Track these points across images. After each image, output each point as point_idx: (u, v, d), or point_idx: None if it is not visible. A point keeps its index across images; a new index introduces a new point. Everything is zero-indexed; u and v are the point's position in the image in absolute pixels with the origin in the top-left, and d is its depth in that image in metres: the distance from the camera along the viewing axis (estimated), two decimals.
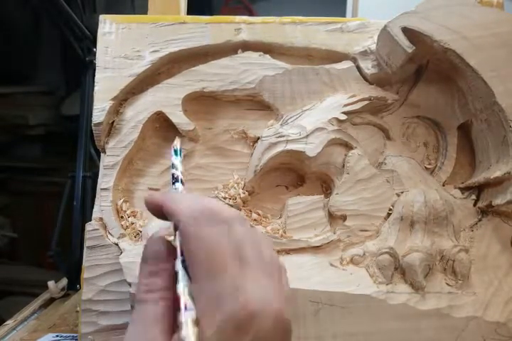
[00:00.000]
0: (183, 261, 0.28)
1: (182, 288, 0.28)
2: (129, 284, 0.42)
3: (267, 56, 0.50)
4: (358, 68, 0.50)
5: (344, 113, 0.48)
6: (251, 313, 0.26)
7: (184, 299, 0.27)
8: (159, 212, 0.31)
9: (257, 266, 0.28)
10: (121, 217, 0.47)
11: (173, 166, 0.37)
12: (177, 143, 0.39)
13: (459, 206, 0.48)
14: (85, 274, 0.46)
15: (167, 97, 0.49)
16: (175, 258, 0.29)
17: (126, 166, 0.49)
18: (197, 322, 0.26)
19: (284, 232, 0.47)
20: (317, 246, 0.47)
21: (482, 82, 0.44)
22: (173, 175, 0.36)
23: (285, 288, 0.29)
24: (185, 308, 0.27)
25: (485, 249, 0.47)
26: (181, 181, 0.36)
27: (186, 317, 0.26)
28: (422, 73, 0.49)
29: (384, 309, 0.44)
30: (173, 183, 0.35)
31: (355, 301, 0.44)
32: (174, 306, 0.28)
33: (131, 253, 0.44)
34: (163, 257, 0.30)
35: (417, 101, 0.50)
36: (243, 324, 0.26)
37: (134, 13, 1.26)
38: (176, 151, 0.38)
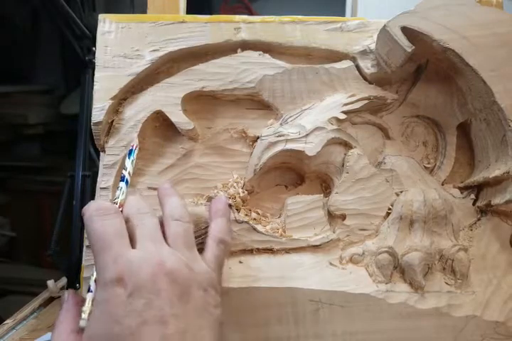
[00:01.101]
0: None
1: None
2: None
3: (267, 55, 0.50)
4: (358, 67, 0.50)
5: (344, 112, 0.48)
6: (120, 273, 0.33)
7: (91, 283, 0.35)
8: None
9: (140, 234, 0.36)
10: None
11: (123, 166, 0.42)
12: (134, 143, 0.44)
13: (458, 205, 0.48)
14: (85, 273, 0.46)
15: (166, 96, 0.49)
16: None
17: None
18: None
19: (284, 231, 0.47)
20: (316, 246, 0.47)
21: (481, 81, 0.45)
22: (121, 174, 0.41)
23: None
24: (89, 290, 0.35)
25: (484, 249, 0.47)
26: (126, 181, 0.41)
27: (88, 296, 0.34)
28: (422, 73, 0.49)
29: (383, 308, 0.44)
30: (119, 182, 0.41)
31: (354, 300, 0.44)
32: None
33: None
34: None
35: (417, 101, 0.50)
36: (116, 281, 0.32)
37: (134, 13, 1.26)
38: (130, 151, 0.43)
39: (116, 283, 0.32)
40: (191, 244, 0.38)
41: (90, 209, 0.37)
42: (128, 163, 0.42)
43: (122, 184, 0.41)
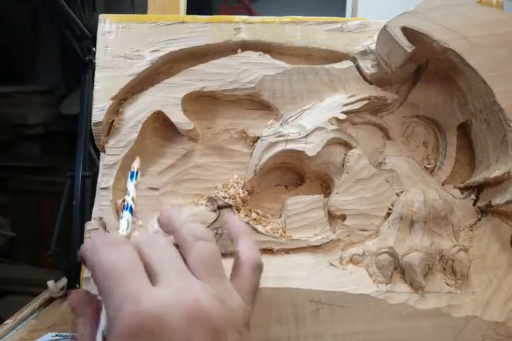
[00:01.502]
0: None
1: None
2: None
3: (267, 56, 0.50)
4: (358, 68, 0.50)
5: (344, 112, 0.48)
6: (147, 315, 0.26)
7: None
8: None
9: (166, 269, 0.29)
10: (121, 217, 0.47)
11: (126, 191, 0.35)
12: (135, 165, 0.38)
13: (459, 206, 0.48)
14: (85, 273, 0.46)
15: (167, 97, 0.49)
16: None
17: (126, 166, 0.49)
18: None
19: (284, 232, 0.47)
20: (317, 246, 0.47)
21: (482, 81, 0.45)
22: (123, 201, 0.35)
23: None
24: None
25: (484, 249, 0.47)
26: (130, 209, 0.35)
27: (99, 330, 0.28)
28: (422, 73, 0.49)
29: (383, 308, 0.44)
30: (122, 210, 0.34)
31: (354, 301, 0.44)
32: None
33: None
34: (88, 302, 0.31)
35: (417, 101, 0.50)
36: (142, 329, 0.25)
37: (134, 13, 1.26)
38: (132, 174, 0.37)
39: (137, 336, 0.25)
40: (221, 270, 0.31)
41: (94, 241, 0.30)
42: (131, 187, 0.36)
43: (126, 213, 0.35)
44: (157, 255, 0.30)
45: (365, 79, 0.50)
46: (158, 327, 0.25)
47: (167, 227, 0.34)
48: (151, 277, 0.28)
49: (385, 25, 0.46)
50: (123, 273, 0.28)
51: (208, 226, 0.45)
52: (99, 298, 0.30)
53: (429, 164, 0.50)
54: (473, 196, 0.49)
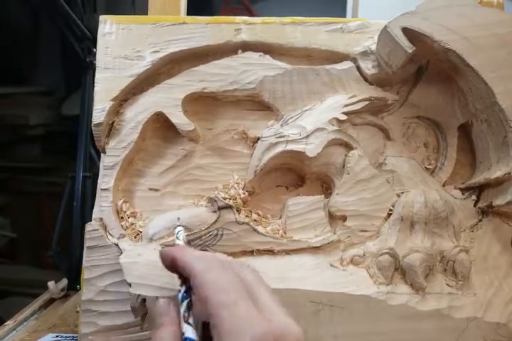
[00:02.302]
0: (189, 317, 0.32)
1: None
2: (129, 284, 0.42)
3: (267, 56, 0.50)
4: (359, 68, 0.50)
5: (344, 113, 0.48)
6: (276, 336, 0.28)
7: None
8: (172, 265, 0.35)
9: (268, 299, 0.31)
10: (121, 218, 0.47)
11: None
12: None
13: (460, 206, 0.48)
14: (85, 274, 0.46)
15: (167, 98, 0.49)
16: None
17: (126, 166, 0.49)
18: None
19: (284, 232, 0.47)
20: (317, 247, 0.46)
21: (482, 82, 0.45)
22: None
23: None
24: None
25: (485, 250, 0.47)
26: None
27: None
28: (423, 73, 0.49)
29: (384, 310, 0.44)
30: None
31: (355, 302, 0.44)
32: None
33: (131, 254, 0.44)
34: (168, 312, 0.33)
35: (418, 102, 0.50)
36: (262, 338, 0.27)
37: (135, 14, 1.26)
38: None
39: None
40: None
41: (206, 258, 0.33)
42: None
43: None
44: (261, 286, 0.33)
45: (366, 79, 0.50)
46: None
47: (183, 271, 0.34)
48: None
49: (385, 26, 0.46)
50: (245, 291, 0.31)
51: (208, 227, 0.45)
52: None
53: (429, 165, 0.50)
54: (474, 197, 0.49)
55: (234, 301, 0.30)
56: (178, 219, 0.41)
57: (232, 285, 0.31)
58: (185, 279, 0.34)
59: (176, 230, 0.40)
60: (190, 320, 0.32)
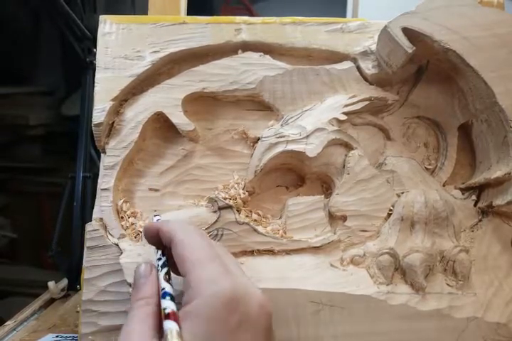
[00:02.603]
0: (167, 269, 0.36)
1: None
2: (129, 284, 0.42)
3: (268, 56, 0.50)
4: (359, 68, 0.50)
5: (344, 113, 0.48)
6: (237, 295, 0.31)
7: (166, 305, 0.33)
8: (154, 238, 0.38)
9: (235, 267, 0.35)
10: (122, 218, 0.47)
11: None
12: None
13: (460, 206, 0.48)
14: (85, 275, 0.46)
15: (167, 98, 0.49)
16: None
17: (126, 166, 0.49)
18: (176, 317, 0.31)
19: (285, 232, 0.47)
20: (317, 247, 0.46)
21: (482, 82, 0.44)
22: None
23: None
24: (168, 319, 0.31)
25: (485, 250, 0.47)
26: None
27: (170, 327, 0.30)
28: (423, 73, 0.49)
29: (384, 309, 0.44)
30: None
31: (355, 302, 0.44)
32: (159, 310, 0.33)
33: (132, 254, 0.44)
34: (148, 273, 0.37)
35: (418, 102, 0.50)
36: (230, 304, 0.31)
37: (134, 14, 1.26)
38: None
39: (229, 304, 0.30)
40: None
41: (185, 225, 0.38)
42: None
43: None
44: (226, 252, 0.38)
45: (366, 79, 0.50)
46: (244, 304, 0.31)
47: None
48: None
49: (385, 26, 0.46)
50: (217, 255, 0.34)
51: (209, 227, 0.45)
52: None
53: (429, 165, 0.50)
54: (474, 197, 0.49)
55: (208, 259, 0.34)
56: (157, 216, 0.44)
57: (207, 247, 0.35)
58: (164, 249, 0.38)
59: (155, 218, 0.43)
60: (169, 282, 0.35)
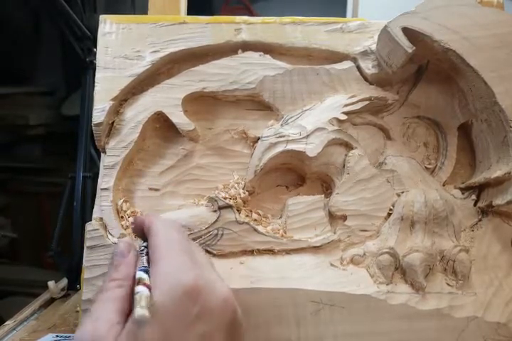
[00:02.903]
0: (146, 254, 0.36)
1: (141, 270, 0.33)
2: None
3: (268, 56, 0.50)
4: (359, 68, 0.50)
5: (344, 113, 0.48)
6: (200, 287, 0.32)
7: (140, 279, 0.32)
8: (140, 230, 0.39)
9: (205, 261, 0.36)
10: (122, 217, 0.47)
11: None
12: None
13: (460, 206, 0.48)
14: (85, 274, 0.46)
15: (167, 97, 0.49)
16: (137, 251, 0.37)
17: (126, 166, 0.49)
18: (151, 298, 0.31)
19: (285, 232, 0.47)
20: (317, 246, 0.46)
21: (482, 82, 0.44)
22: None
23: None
24: (140, 285, 0.31)
25: (485, 249, 0.47)
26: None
27: (140, 291, 0.30)
28: (423, 73, 0.49)
29: (384, 309, 0.44)
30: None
31: (355, 301, 0.44)
32: (131, 293, 0.33)
33: None
34: (125, 253, 0.37)
35: (418, 102, 0.50)
36: (192, 294, 0.31)
37: (134, 13, 1.26)
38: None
39: (190, 294, 0.31)
40: None
41: (161, 221, 0.39)
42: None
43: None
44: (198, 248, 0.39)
45: (366, 79, 0.50)
46: (205, 297, 0.31)
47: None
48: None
49: (385, 26, 0.46)
50: (188, 250, 0.35)
51: (209, 227, 0.45)
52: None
53: (429, 164, 0.50)
54: (474, 196, 0.49)
55: (178, 252, 0.34)
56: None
57: (181, 242, 0.36)
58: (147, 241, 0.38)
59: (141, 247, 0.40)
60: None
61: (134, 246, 0.38)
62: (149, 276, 0.33)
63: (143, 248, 0.38)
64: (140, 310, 0.29)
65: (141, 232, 0.39)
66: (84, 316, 0.33)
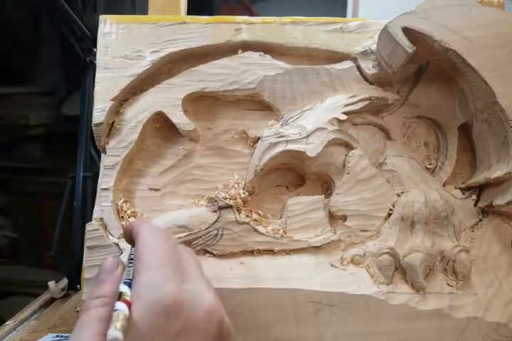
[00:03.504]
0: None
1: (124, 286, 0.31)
2: None
3: (268, 56, 0.50)
4: (359, 68, 0.50)
5: (344, 113, 0.48)
6: (181, 301, 0.30)
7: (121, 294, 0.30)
8: (130, 238, 0.37)
9: (195, 271, 0.34)
10: (122, 217, 0.47)
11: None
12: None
13: (460, 206, 0.48)
14: (86, 274, 0.46)
15: (167, 97, 0.49)
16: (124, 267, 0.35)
17: (126, 166, 0.49)
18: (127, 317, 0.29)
19: (285, 232, 0.47)
20: (317, 247, 0.46)
21: (483, 82, 0.44)
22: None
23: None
24: (120, 301, 0.30)
25: (485, 250, 0.47)
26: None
27: (118, 310, 0.29)
28: (423, 73, 0.49)
29: (384, 309, 0.44)
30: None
31: (355, 301, 0.44)
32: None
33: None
34: (113, 270, 0.35)
35: (418, 102, 0.50)
36: (173, 310, 0.29)
37: (135, 13, 1.26)
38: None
39: (171, 310, 0.29)
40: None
41: (150, 227, 0.37)
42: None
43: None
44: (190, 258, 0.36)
45: (366, 79, 0.49)
46: (188, 311, 0.30)
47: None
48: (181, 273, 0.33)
49: (385, 26, 0.46)
50: (173, 260, 0.33)
51: (209, 227, 0.45)
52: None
53: (430, 164, 0.50)
54: (474, 196, 0.49)
55: (160, 263, 0.32)
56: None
57: (166, 251, 0.34)
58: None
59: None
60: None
61: (122, 262, 0.36)
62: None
63: (132, 256, 0.36)
64: (113, 333, 0.28)
65: (131, 239, 0.38)
66: None
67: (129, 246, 0.40)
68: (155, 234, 0.36)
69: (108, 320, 0.30)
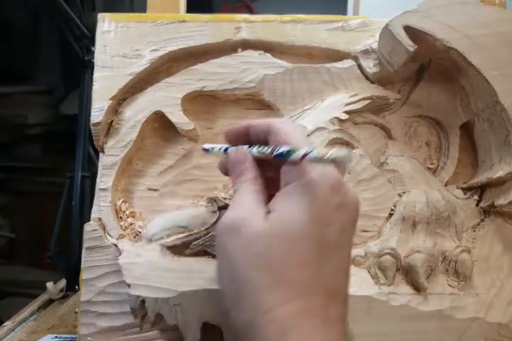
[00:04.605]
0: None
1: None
2: (128, 285, 0.42)
3: (268, 55, 0.50)
4: (360, 67, 0.49)
5: (345, 112, 0.48)
6: (342, 181, 0.32)
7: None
8: (240, 138, 0.38)
9: None
10: (120, 218, 0.47)
11: None
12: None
13: (462, 206, 0.48)
14: (84, 275, 0.45)
15: (166, 96, 0.49)
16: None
17: (125, 166, 0.49)
18: None
19: None
20: None
21: (484, 80, 0.44)
22: None
23: None
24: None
25: (487, 250, 0.47)
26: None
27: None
28: (424, 72, 0.49)
29: (386, 310, 0.44)
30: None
31: (356, 302, 0.44)
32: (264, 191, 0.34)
33: (131, 254, 0.44)
34: (243, 159, 0.35)
35: (419, 101, 0.50)
36: (336, 185, 0.32)
37: (133, 12, 1.25)
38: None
39: (335, 186, 0.32)
40: None
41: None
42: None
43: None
44: None
45: (367, 78, 0.49)
46: (345, 189, 0.32)
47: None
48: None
49: (387, 24, 0.46)
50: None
51: (208, 228, 0.45)
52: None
53: (431, 164, 0.50)
54: (476, 196, 0.49)
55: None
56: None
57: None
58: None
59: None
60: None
61: (246, 150, 0.36)
62: None
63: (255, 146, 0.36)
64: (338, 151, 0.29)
65: (242, 140, 0.37)
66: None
67: (128, 246, 0.40)
68: (285, 121, 0.37)
69: (261, 193, 0.33)
